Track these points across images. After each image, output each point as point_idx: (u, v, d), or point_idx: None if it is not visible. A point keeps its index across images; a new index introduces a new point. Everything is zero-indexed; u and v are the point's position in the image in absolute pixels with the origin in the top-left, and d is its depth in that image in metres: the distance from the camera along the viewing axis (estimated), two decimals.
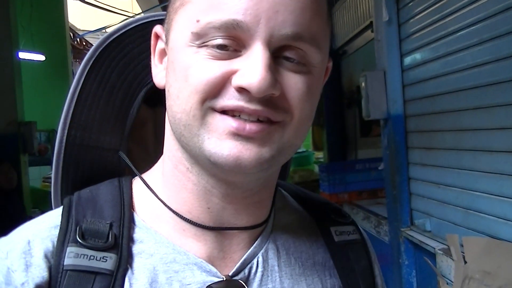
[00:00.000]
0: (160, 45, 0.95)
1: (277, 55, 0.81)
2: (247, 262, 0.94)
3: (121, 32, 1.05)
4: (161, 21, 0.98)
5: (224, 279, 0.90)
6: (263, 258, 0.95)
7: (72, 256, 0.83)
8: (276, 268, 0.96)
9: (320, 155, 9.74)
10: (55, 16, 11.39)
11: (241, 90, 0.78)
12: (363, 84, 4.85)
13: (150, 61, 1.00)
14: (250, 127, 0.79)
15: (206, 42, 0.80)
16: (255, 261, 0.94)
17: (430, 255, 3.91)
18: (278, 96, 0.80)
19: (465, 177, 3.58)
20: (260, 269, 0.94)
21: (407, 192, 4.57)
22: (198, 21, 0.80)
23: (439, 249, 3.74)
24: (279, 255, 0.97)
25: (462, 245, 3.34)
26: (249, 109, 0.79)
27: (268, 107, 0.79)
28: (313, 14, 0.82)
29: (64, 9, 11.83)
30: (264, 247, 0.96)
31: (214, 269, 0.90)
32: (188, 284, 0.88)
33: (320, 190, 7.19)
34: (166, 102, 0.88)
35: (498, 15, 3.08)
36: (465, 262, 3.26)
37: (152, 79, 0.98)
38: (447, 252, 3.55)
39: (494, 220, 3.23)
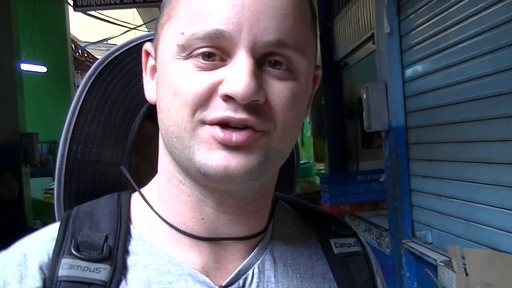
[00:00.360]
0: (151, 61, 0.96)
1: (262, 62, 0.82)
2: (242, 273, 0.93)
3: (122, 50, 1.08)
4: None
5: None
6: (259, 269, 0.95)
7: (67, 268, 0.85)
8: (273, 279, 0.95)
9: (321, 166, 9.74)
10: (57, 28, 11.43)
11: (227, 98, 0.79)
12: (364, 95, 4.86)
13: None
14: (237, 137, 0.79)
15: (191, 53, 0.81)
16: (250, 272, 0.94)
17: (432, 267, 3.89)
18: (263, 103, 0.81)
19: (466, 188, 3.58)
20: (255, 280, 0.94)
21: (409, 203, 4.56)
22: (183, 33, 0.81)
23: (440, 261, 3.73)
24: (276, 266, 0.97)
25: (463, 257, 3.33)
26: (235, 118, 0.79)
27: (253, 115, 0.80)
28: (295, 21, 0.83)
29: (66, 21, 11.88)
30: (261, 258, 0.96)
31: (208, 280, 0.90)
32: None
33: (321, 201, 7.19)
34: (158, 116, 0.89)
35: (499, 27, 3.08)
36: (467, 274, 3.25)
37: None
38: (449, 264, 3.54)
39: (495, 232, 3.22)
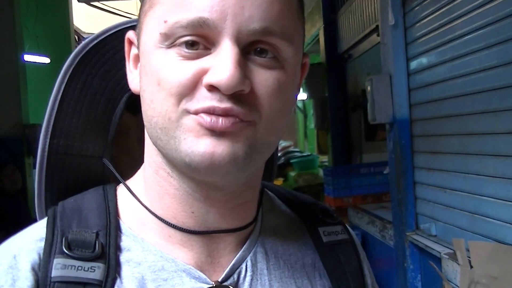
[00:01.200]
0: (134, 50, 0.94)
1: (247, 50, 0.80)
2: (236, 267, 0.92)
3: (100, 38, 1.04)
4: None
5: (214, 285, 0.89)
6: (251, 262, 0.94)
7: (60, 268, 0.82)
8: (265, 271, 0.95)
9: (324, 159, 9.74)
10: (60, 19, 11.40)
11: (212, 88, 0.77)
12: (368, 88, 4.84)
13: None
14: (223, 121, 0.77)
15: (174, 42, 0.79)
16: (244, 265, 0.93)
17: (436, 260, 3.89)
18: (248, 93, 0.79)
19: (471, 181, 3.56)
20: (249, 273, 0.93)
21: (413, 196, 4.55)
22: (165, 21, 0.79)
23: (444, 254, 3.72)
24: (268, 258, 0.96)
25: (468, 250, 3.32)
26: (219, 108, 0.77)
27: (238, 105, 0.78)
28: (281, 8, 0.81)
29: (69, 12, 11.85)
30: (253, 251, 0.95)
31: (203, 276, 0.89)
32: None
33: (324, 194, 7.20)
34: (142, 107, 0.87)
35: (505, 19, 3.06)
36: (471, 267, 3.24)
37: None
38: (453, 257, 3.53)
39: (501, 224, 3.20)
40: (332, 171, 6.95)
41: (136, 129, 1.15)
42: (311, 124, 11.98)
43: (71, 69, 1.01)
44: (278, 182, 9.35)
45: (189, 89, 0.79)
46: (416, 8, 4.32)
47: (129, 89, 1.03)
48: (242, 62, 0.78)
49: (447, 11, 3.78)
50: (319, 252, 1.03)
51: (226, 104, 0.77)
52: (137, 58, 0.93)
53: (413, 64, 4.47)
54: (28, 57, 8.82)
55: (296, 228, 1.06)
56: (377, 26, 5.40)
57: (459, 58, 3.64)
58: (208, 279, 0.89)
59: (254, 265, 0.94)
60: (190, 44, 0.79)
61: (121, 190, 0.98)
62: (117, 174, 1.00)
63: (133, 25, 1.03)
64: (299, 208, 1.10)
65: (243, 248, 0.95)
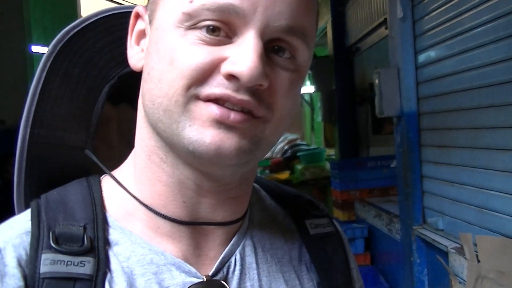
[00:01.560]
0: (140, 25, 0.92)
1: (266, 46, 0.79)
2: (225, 260, 0.91)
3: (81, 26, 1.01)
4: (122, 15, 0.98)
5: (205, 279, 0.87)
6: (240, 255, 0.93)
7: (48, 263, 0.79)
8: (254, 265, 0.94)
9: (331, 152, 9.72)
10: (68, 10, 11.40)
11: (230, 77, 0.76)
12: (376, 81, 4.83)
13: (113, 55, 0.99)
14: (234, 116, 0.77)
15: (196, 24, 0.77)
16: (233, 259, 0.92)
17: (443, 254, 3.88)
18: (264, 89, 0.78)
19: (479, 175, 3.55)
20: (238, 267, 0.92)
21: (420, 190, 4.53)
22: (191, 1, 0.77)
23: (451, 248, 3.71)
24: (256, 252, 0.96)
25: (475, 244, 3.30)
26: (235, 98, 0.76)
27: (254, 99, 0.77)
28: (307, 9, 0.81)
29: (78, 3, 11.85)
30: (241, 244, 0.94)
31: (193, 269, 0.87)
32: (167, 287, 0.85)
33: (331, 187, 7.19)
34: (144, 85, 0.85)
35: None
36: (478, 261, 3.23)
37: (115, 73, 0.98)
38: (460, 251, 3.52)
39: (509, 219, 3.19)
40: (339, 165, 6.94)
41: (116, 120, 1.13)
42: (318, 117, 11.95)
43: (52, 57, 0.99)
44: (285, 175, 9.33)
45: (204, 75, 0.77)
46: (425, 1, 4.30)
47: (111, 79, 1.02)
48: (264, 57, 0.77)
49: (455, 4, 3.76)
50: (306, 245, 1.02)
51: (242, 96, 0.77)
52: (141, 34, 0.91)
53: (421, 58, 4.45)
54: (35, 48, 8.82)
55: (282, 221, 1.05)
56: (385, 19, 5.37)
57: (468, 52, 3.62)
58: (198, 273, 0.88)
59: (243, 259, 0.93)
60: (212, 30, 0.77)
61: (105, 181, 0.95)
62: (102, 165, 0.97)
63: (115, 13, 1.02)
64: (284, 200, 1.09)
65: (232, 241, 0.94)
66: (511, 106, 3.13)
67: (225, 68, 0.76)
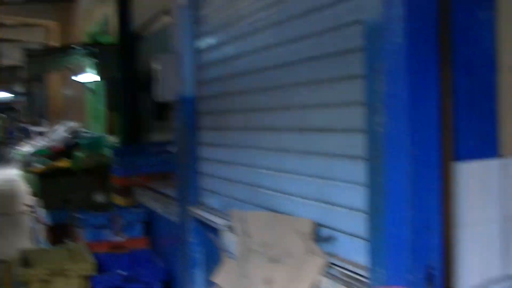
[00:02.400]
0: None
1: None
2: None
3: None
4: None
5: None
6: None
7: None
8: None
9: (116, 140, 9.60)
10: None
11: None
12: (156, 67, 4.88)
13: None
14: None
15: None
16: None
17: (217, 232, 4.02)
18: None
19: (250, 155, 3.74)
20: None
21: (196, 172, 4.68)
22: None
23: (223, 225, 3.86)
24: None
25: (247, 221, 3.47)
26: None
27: None
28: None
29: None
30: None
31: None
32: None
33: (113, 174, 7.11)
34: None
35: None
36: (249, 237, 3.39)
37: None
38: (232, 228, 3.67)
39: (276, 195, 3.39)
40: (119, 151, 6.91)
41: None
42: (101, 105, 11.73)
43: None
44: (65, 163, 9.02)
45: None
46: None
47: None
48: None
49: None
50: None
51: None
52: None
53: (200, 43, 4.58)
54: None
55: None
56: (169, 6, 5.43)
57: (243, 38, 3.79)
58: None
59: None
60: None
61: None
62: None
63: None
64: None
65: None
66: (280, 89, 3.33)
67: None
